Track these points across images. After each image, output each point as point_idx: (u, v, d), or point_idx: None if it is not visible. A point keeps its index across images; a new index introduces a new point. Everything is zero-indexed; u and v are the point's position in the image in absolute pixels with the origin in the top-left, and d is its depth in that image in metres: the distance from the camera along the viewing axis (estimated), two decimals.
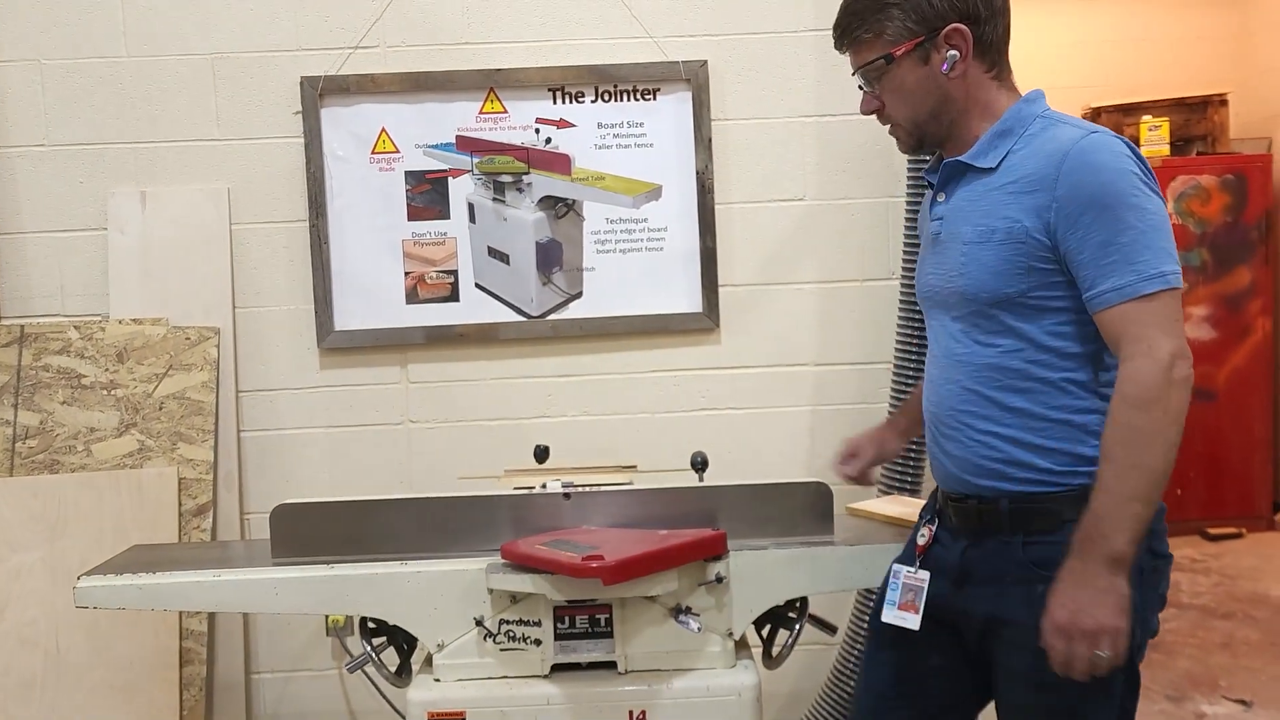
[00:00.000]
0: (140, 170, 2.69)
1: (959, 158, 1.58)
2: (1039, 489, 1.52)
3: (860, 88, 1.63)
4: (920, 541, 1.67)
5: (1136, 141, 4.84)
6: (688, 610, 1.84)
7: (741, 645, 1.93)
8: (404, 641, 1.98)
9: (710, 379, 2.75)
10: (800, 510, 1.99)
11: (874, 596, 1.77)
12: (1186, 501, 4.83)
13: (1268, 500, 4.85)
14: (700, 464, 2.08)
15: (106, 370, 2.62)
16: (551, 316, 2.74)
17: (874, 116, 1.64)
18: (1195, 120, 4.94)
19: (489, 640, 1.85)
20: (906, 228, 2.55)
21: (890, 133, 1.66)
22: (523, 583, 1.80)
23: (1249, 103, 5.08)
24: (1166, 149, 4.82)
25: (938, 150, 1.65)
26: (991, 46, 1.58)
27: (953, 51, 1.54)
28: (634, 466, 2.21)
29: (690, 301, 2.74)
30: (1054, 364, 1.51)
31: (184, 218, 2.68)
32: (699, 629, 1.83)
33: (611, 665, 1.86)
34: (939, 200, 1.62)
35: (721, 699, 1.82)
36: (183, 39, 2.67)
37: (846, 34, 1.60)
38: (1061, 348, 1.51)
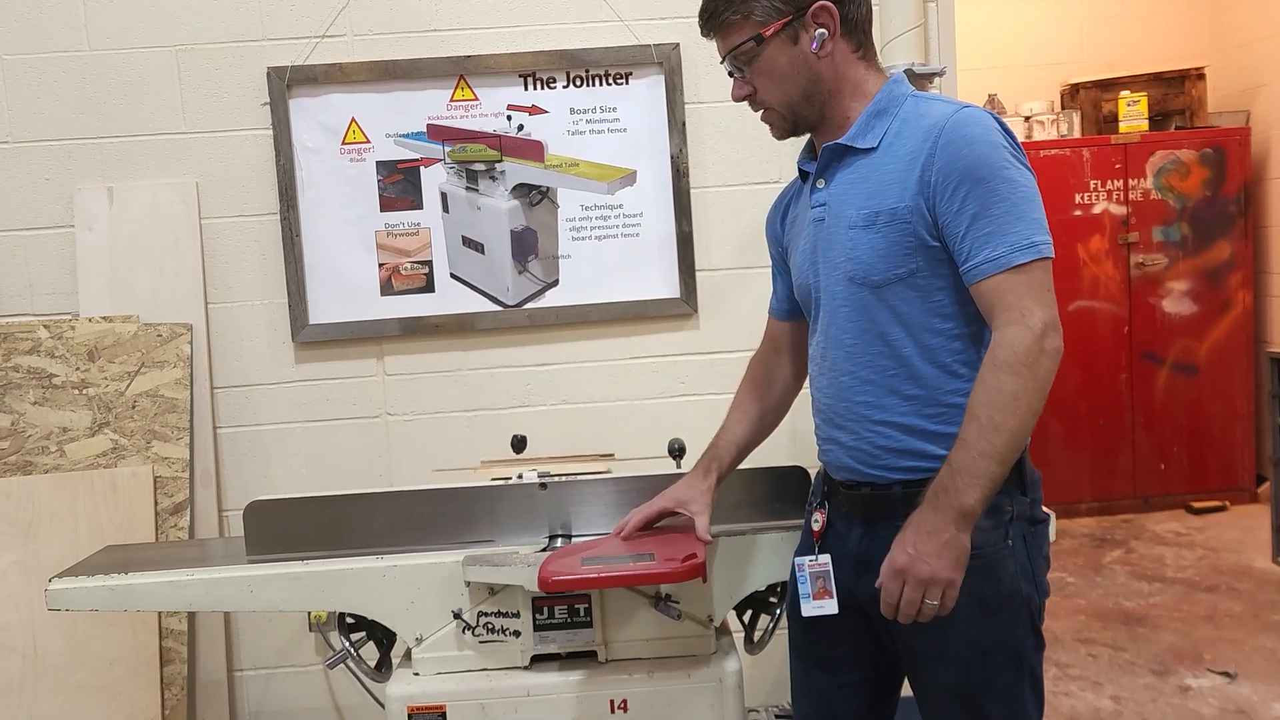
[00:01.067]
0: (107, 165, 2.65)
1: (838, 140, 1.57)
2: (930, 473, 1.51)
3: (730, 74, 1.61)
4: (815, 527, 1.67)
5: (1116, 117, 4.85)
6: (668, 598, 1.83)
7: (722, 631, 1.92)
8: (383, 636, 1.96)
9: (689, 364, 2.74)
10: (779, 494, 1.98)
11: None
12: (1170, 475, 4.85)
13: (1250, 473, 4.87)
14: (678, 450, 2.06)
15: (78, 369, 2.59)
16: (528, 305, 2.72)
17: (746, 103, 1.62)
18: (1173, 95, 4.94)
19: (467, 633, 1.84)
20: None
21: (763, 118, 1.63)
22: (500, 575, 1.78)
23: (1226, 76, 5.08)
24: (1145, 124, 4.82)
25: (809, 136, 1.65)
26: (857, 26, 1.58)
27: (821, 30, 1.54)
28: (611, 455, 2.20)
29: (668, 287, 2.73)
30: (944, 347, 1.53)
31: (152, 213, 2.64)
32: (679, 616, 1.82)
33: (591, 655, 1.84)
34: (819, 186, 1.60)
35: (703, 686, 1.81)
36: (145, 31, 2.63)
37: (714, 18, 1.57)
38: (949, 329, 1.52)
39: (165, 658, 2.55)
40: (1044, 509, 1.61)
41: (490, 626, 1.84)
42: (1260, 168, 4.87)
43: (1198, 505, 4.79)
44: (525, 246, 2.71)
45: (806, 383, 1.79)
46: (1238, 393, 4.83)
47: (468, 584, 1.82)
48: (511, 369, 2.73)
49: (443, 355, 2.72)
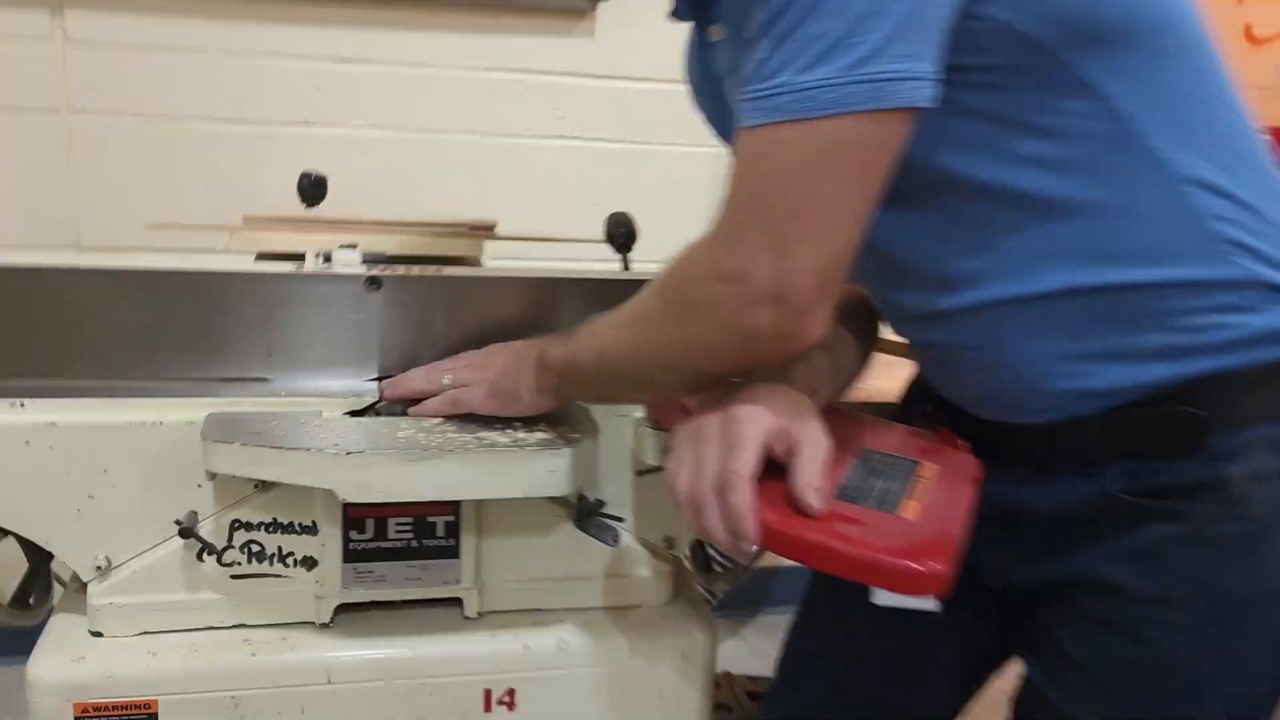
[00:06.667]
0: None
1: None
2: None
3: None
4: None
5: None
6: (600, 507, 0.99)
7: (679, 570, 1.11)
8: (34, 555, 1.01)
9: (577, 92, 1.79)
10: None
11: None
12: None
13: None
14: (622, 234, 1.15)
15: None
16: None
17: None
18: None
19: (209, 559, 0.93)
20: None
21: None
22: (287, 465, 0.86)
23: None
24: None
25: None
26: None
27: None
28: (491, 227, 1.26)
29: None
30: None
31: None
32: (616, 540, 0.99)
33: (454, 605, 1.00)
34: None
35: (652, 667, 1.02)
36: None
37: None
38: None
39: None
40: None
41: (258, 551, 0.94)
42: None
43: None
44: None
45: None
46: None
47: (212, 475, 0.90)
48: (291, 59, 1.68)
49: (170, 21, 1.62)
